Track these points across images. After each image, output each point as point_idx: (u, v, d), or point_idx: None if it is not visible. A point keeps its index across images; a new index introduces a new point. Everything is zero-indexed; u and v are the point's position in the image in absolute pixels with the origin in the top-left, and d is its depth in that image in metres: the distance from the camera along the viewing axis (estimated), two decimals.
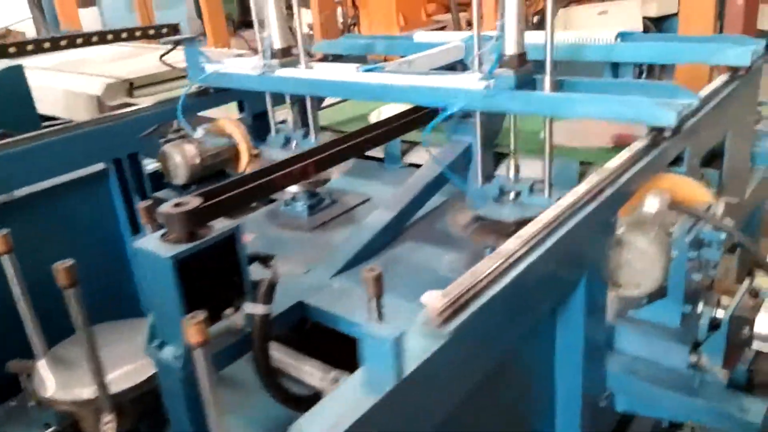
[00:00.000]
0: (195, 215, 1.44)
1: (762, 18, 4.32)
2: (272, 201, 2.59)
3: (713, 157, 2.20)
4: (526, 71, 1.80)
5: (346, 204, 2.56)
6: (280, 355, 1.78)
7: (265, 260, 1.62)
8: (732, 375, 1.54)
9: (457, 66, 2.41)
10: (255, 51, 2.53)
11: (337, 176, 2.45)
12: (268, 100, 2.63)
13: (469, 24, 4.72)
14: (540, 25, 2.38)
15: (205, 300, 1.42)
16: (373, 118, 3.38)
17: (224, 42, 6.91)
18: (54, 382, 1.79)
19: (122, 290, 2.45)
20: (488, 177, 2.11)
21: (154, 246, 1.41)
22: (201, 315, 1.25)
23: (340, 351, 1.56)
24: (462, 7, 5.95)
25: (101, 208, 2.51)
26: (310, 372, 1.74)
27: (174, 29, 2.63)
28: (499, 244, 1.21)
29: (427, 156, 2.26)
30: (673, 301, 1.54)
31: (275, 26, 2.33)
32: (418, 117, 2.07)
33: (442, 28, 5.93)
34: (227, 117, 2.70)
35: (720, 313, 1.54)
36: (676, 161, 1.78)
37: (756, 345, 1.50)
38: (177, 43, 2.68)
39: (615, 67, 2.55)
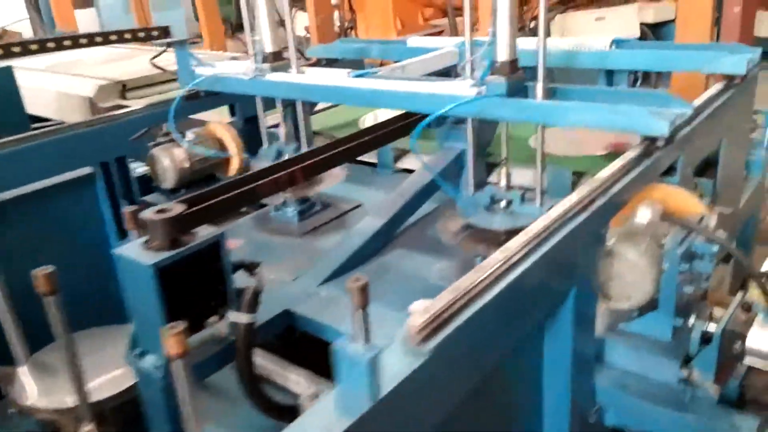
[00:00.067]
0: (178, 222, 1.42)
1: (759, 25, 4.31)
2: (262, 206, 2.57)
3: (707, 166, 2.18)
4: (517, 78, 1.77)
5: (337, 209, 2.53)
6: (266, 363, 1.76)
7: (250, 268, 1.60)
8: (723, 390, 1.52)
9: (451, 71, 2.38)
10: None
11: (328, 186, 2.42)
12: (259, 104, 2.61)
13: None
14: (537, 31, 2.36)
15: (188, 308, 1.40)
16: (369, 119, 3.36)
17: (221, 44, 6.88)
18: (35, 389, 1.76)
19: (109, 295, 2.40)
20: (480, 185, 2.10)
21: (135, 253, 1.39)
22: (180, 326, 1.22)
23: (330, 360, 1.53)
24: (459, 12, 5.93)
25: (88, 211, 2.48)
26: (296, 381, 1.73)
27: (165, 32, 2.60)
28: (490, 253, 1.18)
29: (419, 162, 2.24)
30: (664, 314, 1.51)
31: (266, 29, 2.30)
32: (411, 123, 2.04)
33: (440, 33, 5.92)
34: (218, 121, 2.68)
35: (712, 327, 1.52)
36: (669, 170, 1.75)
37: (748, 360, 1.47)
38: (168, 46, 2.65)
39: (610, 74, 2.53)
